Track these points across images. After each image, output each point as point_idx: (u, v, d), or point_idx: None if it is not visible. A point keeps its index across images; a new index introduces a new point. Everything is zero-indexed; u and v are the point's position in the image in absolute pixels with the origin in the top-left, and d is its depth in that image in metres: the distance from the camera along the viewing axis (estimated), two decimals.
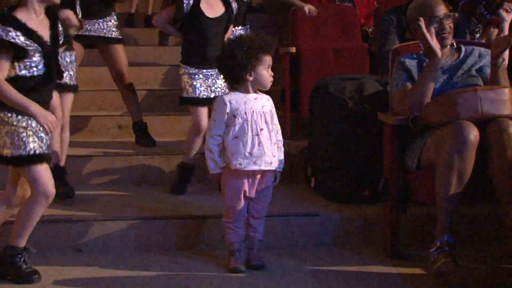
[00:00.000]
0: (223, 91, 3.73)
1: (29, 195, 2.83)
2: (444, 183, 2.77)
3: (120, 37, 4.27)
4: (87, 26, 4.05)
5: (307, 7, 5.05)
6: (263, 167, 2.94)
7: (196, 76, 3.78)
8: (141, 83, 5.12)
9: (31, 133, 2.77)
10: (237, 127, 2.92)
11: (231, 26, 4.00)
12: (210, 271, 2.99)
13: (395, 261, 3.11)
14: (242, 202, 2.96)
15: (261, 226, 3.03)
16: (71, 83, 3.68)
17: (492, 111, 2.83)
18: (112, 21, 4.18)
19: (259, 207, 3.01)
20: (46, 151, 2.81)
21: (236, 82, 2.97)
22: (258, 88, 3.01)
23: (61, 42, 2.91)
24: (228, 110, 2.93)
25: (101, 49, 4.27)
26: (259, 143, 2.92)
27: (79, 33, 3.86)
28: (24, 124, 2.76)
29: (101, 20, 4.12)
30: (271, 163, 2.96)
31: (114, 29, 4.19)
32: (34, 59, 2.76)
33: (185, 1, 3.76)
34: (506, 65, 3.58)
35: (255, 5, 6.42)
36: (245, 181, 2.96)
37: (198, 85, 3.77)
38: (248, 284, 2.84)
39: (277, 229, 3.33)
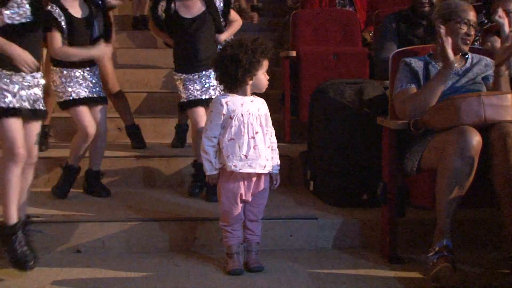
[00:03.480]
0: (217, 89, 3.73)
1: None
2: (445, 188, 2.78)
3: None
4: None
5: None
6: (258, 170, 2.95)
7: (188, 81, 3.76)
8: (142, 85, 5.13)
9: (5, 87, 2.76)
10: (233, 129, 2.92)
11: (233, 24, 3.94)
12: (208, 273, 2.99)
13: (393, 265, 3.11)
14: (239, 206, 2.97)
15: (258, 229, 3.03)
16: (102, 95, 3.76)
17: (495, 116, 2.83)
18: None
19: (255, 210, 3.01)
20: (18, 106, 2.80)
21: (235, 85, 2.97)
22: (255, 91, 3.01)
23: None
24: (224, 111, 2.93)
25: None
26: (255, 146, 2.93)
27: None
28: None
29: None
30: (265, 166, 2.97)
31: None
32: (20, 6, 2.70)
33: (159, 6, 3.77)
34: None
35: (259, 7, 6.44)
36: (241, 184, 2.96)
37: (192, 88, 3.75)
38: (246, 286, 2.84)
39: (275, 232, 3.33)
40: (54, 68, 3.69)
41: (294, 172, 4.13)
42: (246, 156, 2.91)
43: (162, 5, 3.81)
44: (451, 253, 2.76)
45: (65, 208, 3.52)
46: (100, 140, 3.76)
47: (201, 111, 3.75)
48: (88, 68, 3.68)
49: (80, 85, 3.65)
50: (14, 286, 2.84)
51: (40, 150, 2.97)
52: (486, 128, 2.83)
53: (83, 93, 3.65)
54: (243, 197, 2.97)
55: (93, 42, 3.67)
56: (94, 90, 3.70)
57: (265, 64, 2.97)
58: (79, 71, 3.65)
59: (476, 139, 2.76)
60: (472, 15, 3.12)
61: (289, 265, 3.10)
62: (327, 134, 3.74)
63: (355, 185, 3.64)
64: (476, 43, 4.16)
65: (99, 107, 3.72)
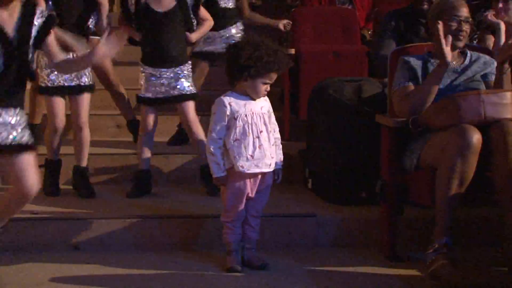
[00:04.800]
0: (185, 91, 3.68)
1: None
2: (445, 186, 2.77)
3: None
4: None
5: (282, 24, 5.01)
6: (264, 169, 2.95)
7: (151, 76, 3.69)
8: (136, 82, 5.11)
9: None
10: (238, 130, 2.91)
11: (204, 24, 3.84)
12: (207, 271, 2.99)
13: (392, 262, 3.11)
14: (243, 203, 2.97)
15: (258, 225, 3.04)
16: (87, 83, 3.68)
17: (495, 114, 2.83)
18: None
19: (258, 206, 3.01)
20: None
21: (234, 79, 2.94)
22: (250, 95, 2.97)
23: (31, 39, 2.62)
24: (228, 112, 2.91)
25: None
26: (260, 145, 2.93)
27: None
28: None
29: None
30: (270, 164, 2.97)
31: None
32: None
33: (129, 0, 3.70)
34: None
35: (258, 5, 6.42)
36: (248, 182, 2.96)
37: (152, 85, 3.69)
38: (245, 284, 2.84)
39: (274, 230, 3.33)
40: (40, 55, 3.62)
41: (293, 170, 4.12)
42: (252, 156, 2.91)
43: None
44: (450, 251, 2.77)
45: (63, 205, 3.52)
46: (80, 132, 3.68)
47: (149, 111, 3.69)
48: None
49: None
50: (12, 283, 2.83)
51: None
52: (486, 126, 2.83)
53: (59, 81, 3.58)
54: (249, 194, 2.97)
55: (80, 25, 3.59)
56: (75, 78, 3.60)
57: (271, 76, 2.94)
58: None
59: (476, 137, 2.76)
60: (463, 11, 3.11)
61: (288, 263, 3.10)
62: (326, 132, 3.74)
63: (354, 182, 3.64)
64: (474, 42, 4.16)
65: (79, 97, 3.64)
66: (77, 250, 3.24)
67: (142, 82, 3.75)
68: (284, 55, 2.96)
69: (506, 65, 3.02)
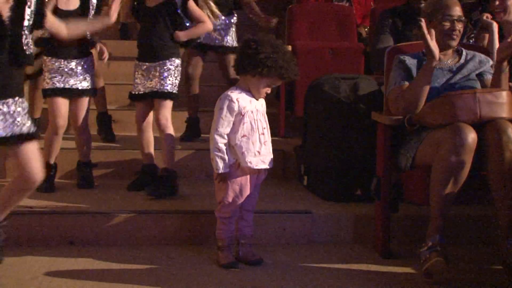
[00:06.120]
0: (165, 86, 3.65)
1: None
2: (440, 184, 2.79)
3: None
4: None
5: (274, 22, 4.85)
6: (268, 165, 2.99)
7: (137, 70, 3.71)
8: (128, 77, 5.09)
9: None
10: (245, 126, 2.92)
11: (198, 26, 3.78)
12: (202, 266, 2.99)
13: (386, 259, 3.13)
14: (243, 198, 2.98)
15: (252, 219, 3.05)
16: (89, 87, 3.70)
17: (490, 114, 2.84)
18: None
19: (253, 201, 3.03)
20: None
21: (243, 71, 2.93)
22: (252, 91, 2.98)
23: (29, 23, 2.67)
24: (236, 108, 2.92)
25: None
26: (265, 141, 2.97)
27: None
28: None
29: None
30: (271, 160, 3.01)
31: None
32: None
33: None
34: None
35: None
36: (248, 177, 2.98)
37: (138, 80, 3.71)
38: (240, 280, 2.85)
39: (269, 226, 3.34)
40: (44, 57, 3.67)
41: (288, 167, 4.14)
42: (259, 152, 2.94)
43: None
44: (444, 249, 2.78)
45: (58, 199, 3.52)
46: (80, 133, 3.75)
47: (140, 108, 3.71)
48: (75, 60, 3.63)
49: (62, 76, 3.61)
50: (7, 276, 2.83)
51: None
52: (481, 125, 2.84)
53: (60, 84, 3.60)
54: (249, 190, 2.99)
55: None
56: (76, 82, 3.64)
57: (277, 81, 2.96)
58: (64, 61, 3.61)
59: (471, 136, 2.77)
60: (455, 10, 3.12)
61: (283, 259, 3.11)
62: (322, 129, 3.75)
63: (349, 180, 3.64)
64: (471, 41, 4.17)
65: (79, 100, 3.67)
66: (71, 244, 3.24)
67: (133, 75, 3.77)
68: (296, 66, 2.96)
69: (505, 64, 3.02)
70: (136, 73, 3.73)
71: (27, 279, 2.81)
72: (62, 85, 3.62)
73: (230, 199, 2.97)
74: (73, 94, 3.65)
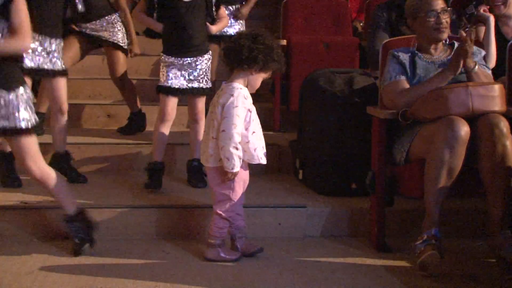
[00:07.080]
0: (202, 81, 3.68)
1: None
2: (433, 178, 2.80)
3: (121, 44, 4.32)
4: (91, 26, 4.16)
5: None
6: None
7: (172, 65, 3.68)
8: (132, 72, 5.10)
9: None
10: (254, 122, 2.93)
11: (223, 20, 3.84)
12: (197, 260, 3.00)
13: (381, 253, 3.13)
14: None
15: (243, 212, 3.06)
16: (60, 68, 3.65)
17: (482, 107, 2.85)
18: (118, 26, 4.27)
19: (244, 194, 3.03)
20: None
21: (241, 66, 2.92)
22: (249, 87, 2.98)
23: None
24: (247, 105, 2.92)
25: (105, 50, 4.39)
26: (262, 136, 3.00)
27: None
28: None
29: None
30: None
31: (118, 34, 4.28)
32: None
33: None
34: (494, 65, 3.63)
35: None
36: (248, 172, 3.00)
37: (172, 74, 3.68)
38: (235, 274, 2.85)
39: (264, 220, 3.34)
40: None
41: (284, 161, 4.14)
42: (263, 147, 2.96)
43: None
44: (439, 242, 2.79)
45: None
46: (61, 116, 3.69)
47: (171, 101, 3.68)
48: (43, 39, 3.54)
49: (32, 55, 3.51)
50: (3, 271, 2.83)
51: (37, 134, 2.95)
52: (474, 119, 2.85)
53: (29, 63, 3.52)
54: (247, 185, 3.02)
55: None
56: (44, 61, 3.56)
57: (269, 75, 2.99)
58: (36, 42, 3.52)
59: (464, 129, 2.78)
60: (437, 4, 3.11)
61: (278, 253, 3.12)
62: (317, 123, 3.75)
63: (344, 174, 3.65)
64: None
65: (54, 81, 3.62)
66: (66, 239, 3.23)
67: (162, 70, 3.74)
68: (284, 60, 3.01)
69: (472, 64, 3.00)
70: (168, 68, 3.67)
71: (23, 274, 2.81)
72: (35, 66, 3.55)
73: (236, 196, 2.96)
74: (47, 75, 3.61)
